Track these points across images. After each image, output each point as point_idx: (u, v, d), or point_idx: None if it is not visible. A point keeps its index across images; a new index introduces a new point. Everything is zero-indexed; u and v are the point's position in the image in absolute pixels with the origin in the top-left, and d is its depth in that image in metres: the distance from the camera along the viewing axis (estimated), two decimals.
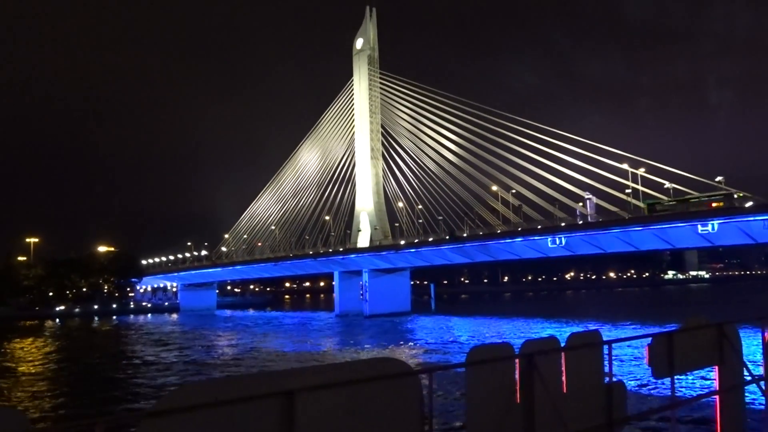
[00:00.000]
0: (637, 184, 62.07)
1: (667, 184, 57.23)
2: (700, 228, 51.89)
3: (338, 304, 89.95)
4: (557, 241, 60.32)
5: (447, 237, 68.66)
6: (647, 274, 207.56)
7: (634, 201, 61.19)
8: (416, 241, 75.02)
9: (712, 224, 51.07)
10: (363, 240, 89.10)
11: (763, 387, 6.25)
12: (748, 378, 6.34)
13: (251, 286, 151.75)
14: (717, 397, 6.10)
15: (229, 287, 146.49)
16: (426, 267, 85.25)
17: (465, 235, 68.95)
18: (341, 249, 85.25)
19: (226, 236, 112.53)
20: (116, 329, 78.55)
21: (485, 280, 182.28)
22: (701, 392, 7.42)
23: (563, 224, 60.93)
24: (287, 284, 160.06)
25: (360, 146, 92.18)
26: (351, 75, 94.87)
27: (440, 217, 74.18)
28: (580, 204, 63.38)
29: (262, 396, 3.18)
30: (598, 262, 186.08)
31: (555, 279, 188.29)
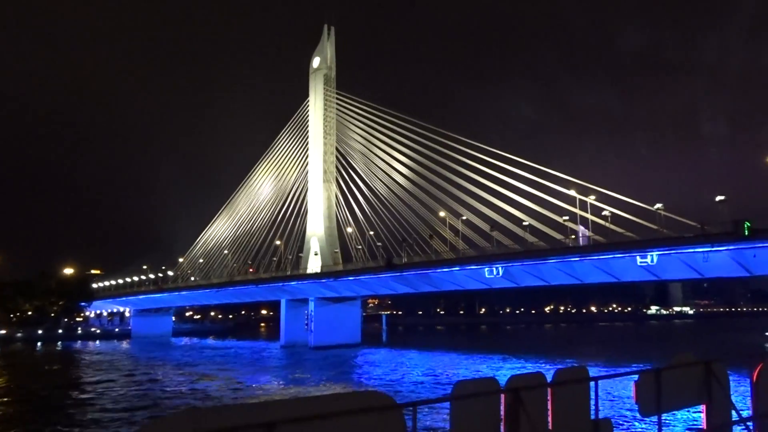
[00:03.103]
0: (587, 211, 58.45)
1: (605, 212, 53.56)
2: (639, 259, 47.97)
3: (284, 334, 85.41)
4: (494, 271, 56.27)
5: (384, 265, 64.54)
6: (630, 308, 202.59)
7: (580, 229, 57.57)
8: (355, 268, 70.95)
9: (651, 255, 47.16)
10: (314, 266, 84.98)
11: (751, 427, 6.09)
12: (736, 418, 6.13)
13: (212, 313, 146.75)
14: None
15: (188, 313, 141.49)
16: (373, 296, 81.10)
17: (403, 262, 64.88)
18: (284, 275, 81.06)
19: (181, 260, 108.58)
20: (54, 356, 74.28)
21: (461, 312, 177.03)
22: (688, 431, 7.60)
23: (499, 253, 56.90)
24: (242, 312, 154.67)
25: (313, 168, 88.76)
26: (307, 95, 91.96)
27: (379, 244, 70.35)
28: (526, 226, 59.54)
29: (243, 427, 3.08)
30: (579, 295, 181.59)
31: (533, 312, 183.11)
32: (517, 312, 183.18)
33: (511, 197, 63.29)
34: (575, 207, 58.69)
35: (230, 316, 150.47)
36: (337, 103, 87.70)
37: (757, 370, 6.49)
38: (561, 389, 4.85)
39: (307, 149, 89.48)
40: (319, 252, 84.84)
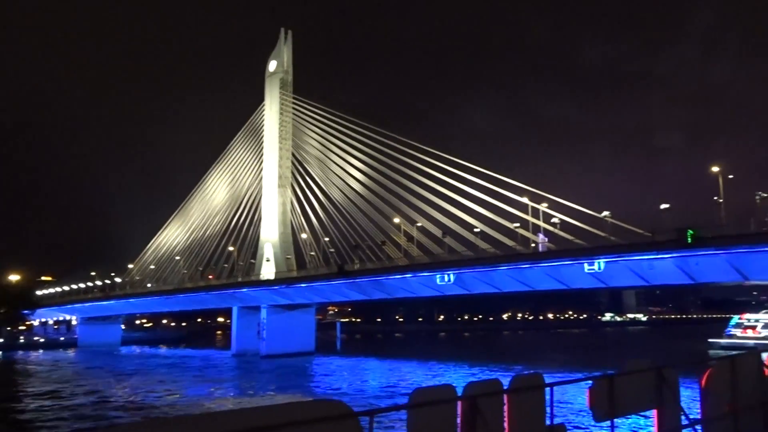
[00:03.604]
0: (539, 219, 58.67)
1: (555, 219, 53.88)
2: (587, 267, 48.25)
3: (235, 343, 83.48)
4: (446, 278, 55.94)
5: (337, 271, 63.57)
6: (585, 315, 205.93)
7: (532, 236, 57.78)
8: (307, 275, 69.80)
9: (599, 263, 47.48)
10: (268, 273, 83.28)
11: (700, 430, 6.25)
12: (686, 422, 6.25)
13: (164, 321, 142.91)
14: None
15: (138, 321, 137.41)
16: (326, 303, 79.93)
17: (355, 269, 64.05)
18: (235, 282, 79.31)
19: (131, 266, 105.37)
20: None
21: (420, 319, 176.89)
22: None
23: (450, 259, 56.63)
24: (198, 319, 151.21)
25: (268, 174, 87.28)
26: (263, 99, 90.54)
27: (332, 250, 69.40)
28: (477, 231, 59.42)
29: None
30: (537, 302, 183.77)
31: (491, 319, 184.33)
32: (476, 319, 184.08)
33: (466, 204, 63.36)
34: (528, 214, 59.10)
35: (183, 324, 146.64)
36: (294, 108, 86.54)
37: (706, 376, 6.67)
38: (517, 396, 4.86)
39: (262, 154, 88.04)
40: (272, 258, 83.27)
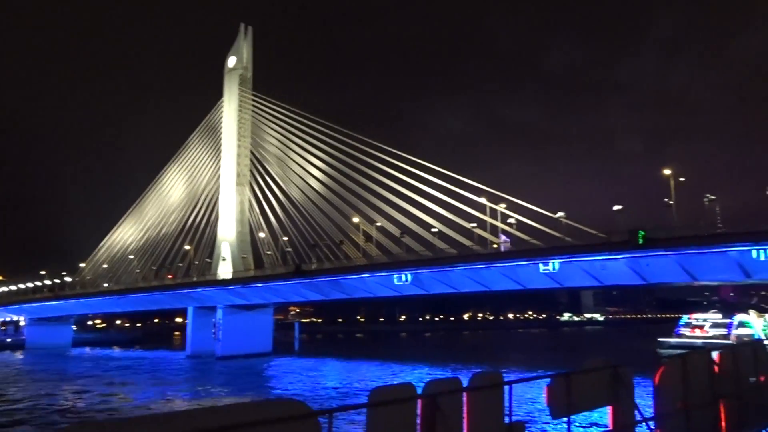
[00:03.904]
0: (497, 219, 58.93)
1: (511, 219, 54.23)
2: (541, 267, 48.61)
3: (190, 344, 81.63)
4: (403, 278, 55.69)
5: (293, 271, 62.67)
6: (545, 315, 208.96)
7: (490, 237, 58.01)
8: (263, 274, 68.71)
9: (553, 263, 47.88)
10: (224, 272, 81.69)
11: (653, 427, 6.40)
12: (639, 418, 6.42)
13: (118, 321, 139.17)
14: None
15: (91, 322, 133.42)
16: (284, 303, 78.86)
17: (312, 269, 63.28)
18: (189, 282, 77.57)
19: (83, 265, 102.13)
20: None
21: (381, 319, 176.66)
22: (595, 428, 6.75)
23: (408, 259, 56.41)
24: (155, 320, 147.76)
25: (226, 171, 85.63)
26: (222, 95, 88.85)
27: (289, 249, 68.46)
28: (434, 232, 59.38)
29: None
30: (497, 302, 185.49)
31: (452, 319, 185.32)
32: (437, 319, 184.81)
33: (425, 204, 63.36)
34: (486, 214, 59.37)
35: (138, 325, 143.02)
36: (253, 105, 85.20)
37: (659, 374, 6.83)
38: (476, 394, 4.87)
39: (221, 152, 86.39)
40: (228, 258, 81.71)
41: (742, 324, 65.59)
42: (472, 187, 61.13)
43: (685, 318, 71.71)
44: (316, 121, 75.25)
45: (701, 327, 67.04)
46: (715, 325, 66.63)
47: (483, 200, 60.12)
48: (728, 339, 61.92)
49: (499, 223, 57.82)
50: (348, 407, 4.79)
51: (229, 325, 76.73)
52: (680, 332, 68.29)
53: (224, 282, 73.41)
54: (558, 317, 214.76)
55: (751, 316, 67.42)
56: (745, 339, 65.43)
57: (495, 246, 56.38)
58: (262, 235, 79.53)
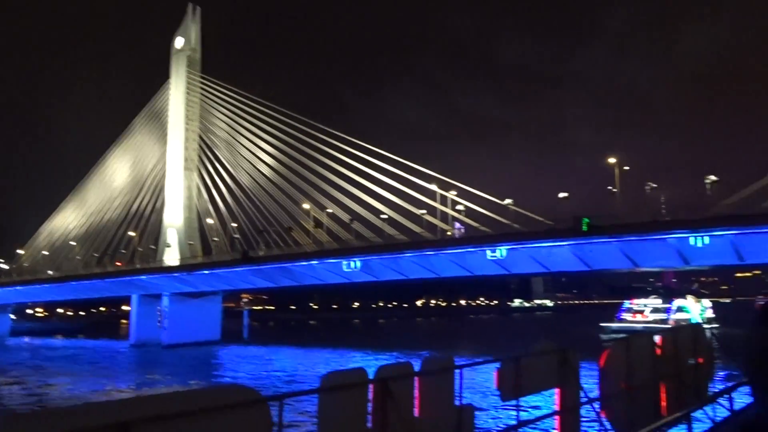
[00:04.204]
0: (447, 206, 59.02)
1: (460, 206, 54.43)
2: (489, 254, 48.93)
3: (134, 332, 79.35)
4: (352, 265, 55.26)
5: (241, 258, 61.42)
6: (496, 301, 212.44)
7: (440, 223, 58.09)
8: (210, 261, 67.22)
9: (500, 250, 48.24)
10: (171, 259, 79.53)
11: (597, 408, 6.55)
12: (585, 399, 6.57)
13: (60, 310, 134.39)
14: (557, 417, 6.31)
15: (31, 311, 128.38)
16: (233, 290, 77.43)
17: (260, 255, 62.20)
18: (133, 269, 75.33)
19: (21, 252, 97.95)
20: None
21: (335, 306, 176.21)
22: (543, 413, 6.59)
23: (357, 246, 56.01)
24: (101, 308, 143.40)
25: (173, 156, 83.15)
26: (168, 77, 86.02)
27: (236, 236, 67.16)
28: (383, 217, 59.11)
29: (92, 429, 2.79)
30: (450, 289, 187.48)
31: (405, 306, 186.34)
32: (390, 306, 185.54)
33: (376, 191, 63.00)
34: (436, 201, 59.43)
35: (82, 313, 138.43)
36: (201, 88, 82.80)
37: (604, 357, 7.03)
38: (428, 378, 4.89)
39: (167, 135, 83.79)
40: (174, 244, 79.61)
41: (680, 309, 68.05)
42: (423, 174, 61.18)
43: (626, 303, 73.85)
44: (267, 106, 73.81)
45: (642, 312, 69.19)
46: (654, 310, 68.90)
47: (434, 187, 60.16)
48: (667, 323, 64.11)
49: (449, 210, 57.96)
50: (299, 393, 4.65)
51: (175, 313, 74.93)
52: (622, 317, 70.36)
53: (169, 269, 71.49)
54: (509, 303, 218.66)
55: (689, 301, 70.08)
56: (683, 323, 67.99)
57: (450, 234, 56.49)
58: (210, 221, 77.74)
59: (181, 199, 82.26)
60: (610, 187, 48.76)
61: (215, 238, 72.89)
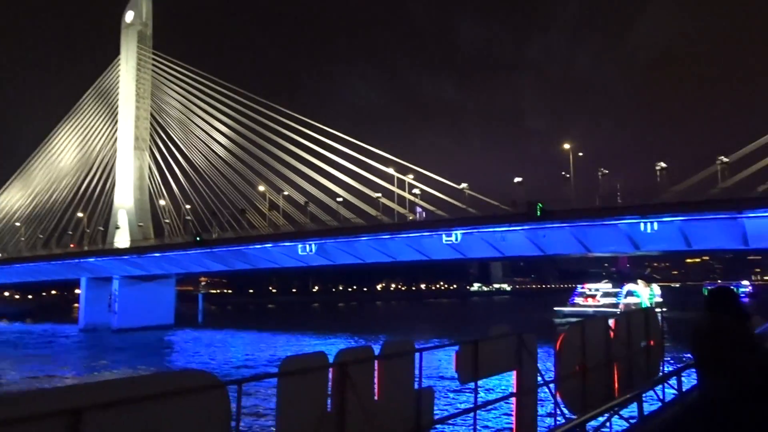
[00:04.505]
0: (404, 190, 58.59)
1: (416, 190, 54.13)
2: (444, 238, 48.76)
3: (83, 316, 77.07)
4: (308, 248, 54.45)
5: (192, 240, 59.85)
6: (455, 286, 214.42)
7: (397, 207, 57.70)
8: (161, 244, 65.45)
9: (456, 234, 48.12)
10: (122, 241, 77.14)
11: (553, 389, 6.84)
12: (541, 381, 6.83)
13: (6, 293, 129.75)
14: (514, 399, 6.55)
15: None
16: (186, 274, 75.76)
17: (213, 238, 60.76)
18: (80, 251, 72.89)
19: None
20: None
21: (294, 290, 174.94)
22: (501, 395, 6.89)
23: (312, 229, 55.21)
24: (53, 291, 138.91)
25: (124, 135, 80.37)
26: (119, 53, 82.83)
27: (189, 218, 65.47)
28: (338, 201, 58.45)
29: (43, 416, 2.68)
30: (410, 273, 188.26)
31: (366, 289, 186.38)
32: (350, 290, 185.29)
33: (334, 174, 62.28)
34: (393, 185, 59.02)
35: (30, 297, 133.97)
36: (153, 65, 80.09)
37: (560, 340, 7.16)
38: (387, 362, 4.92)
39: (117, 114, 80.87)
40: (124, 226, 77.25)
41: (630, 293, 69.54)
42: (380, 157, 60.64)
43: (579, 288, 75.10)
44: (222, 85, 71.95)
45: (593, 296, 70.46)
46: (606, 295, 70.24)
47: (391, 170, 59.69)
48: (617, 308, 65.48)
49: (406, 194, 57.59)
50: (258, 377, 4.66)
51: (126, 297, 73.03)
52: (574, 301, 71.53)
53: (119, 251, 69.38)
54: (468, 288, 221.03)
55: (639, 286, 71.62)
56: (633, 307, 69.59)
57: (411, 218, 56.05)
58: (162, 202, 75.68)
59: (132, 180, 79.74)
60: (564, 173, 49.00)
61: (167, 220, 70.94)
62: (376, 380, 4.86)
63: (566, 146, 52.12)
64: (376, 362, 4.88)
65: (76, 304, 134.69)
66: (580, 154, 53.63)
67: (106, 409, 2.87)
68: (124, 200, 79.46)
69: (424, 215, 55.10)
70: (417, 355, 5.31)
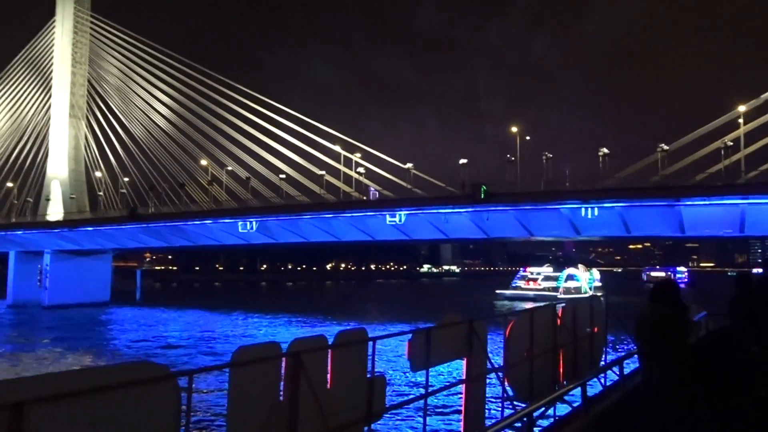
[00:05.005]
0: (351, 169, 57.45)
1: (361, 168, 53.14)
2: (388, 218, 47.99)
3: (11, 292, 73.34)
4: (248, 226, 52.82)
5: (127, 215, 57.32)
6: (405, 267, 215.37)
7: (342, 186, 56.61)
8: (94, 218, 62.60)
9: (400, 215, 47.41)
10: (55, 213, 73.45)
11: (501, 376, 6.93)
12: (491, 368, 6.90)
13: None
14: (464, 385, 6.64)
15: None
16: (122, 250, 72.96)
17: (149, 213, 58.37)
18: (7, 224, 69.29)
19: None
20: None
21: (241, 268, 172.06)
22: (451, 382, 7.10)
23: (254, 206, 53.60)
24: None
25: (58, 101, 76.13)
26: (53, 14, 78.09)
27: (123, 191, 62.76)
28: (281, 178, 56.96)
29: None
30: (360, 253, 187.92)
31: (315, 269, 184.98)
32: (299, 269, 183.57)
33: (281, 151, 60.72)
34: (340, 163, 57.86)
35: None
36: (92, 28, 75.98)
37: (509, 327, 7.24)
38: (340, 351, 4.99)
39: (51, 79, 76.46)
40: (57, 198, 73.57)
41: (570, 277, 70.62)
42: (328, 135, 59.32)
43: (521, 271, 75.91)
44: (166, 54, 68.86)
45: (535, 280, 71.26)
46: (546, 278, 71.15)
47: (337, 148, 58.45)
48: (557, 291, 66.52)
49: (352, 173, 56.55)
50: (210, 368, 4.40)
51: (58, 272, 69.82)
52: (516, 285, 72.28)
53: (49, 224, 66.02)
54: (418, 269, 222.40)
55: (579, 271, 72.79)
56: (573, 291, 70.97)
57: (357, 197, 54.92)
58: (99, 174, 72.30)
59: (67, 150, 75.83)
60: (509, 155, 48.77)
61: (100, 193, 67.80)
62: (329, 369, 4.90)
63: (513, 129, 51.95)
64: (329, 351, 4.91)
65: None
66: (528, 137, 53.65)
67: (50, 402, 2.75)
68: (58, 171, 75.59)
69: (377, 195, 54.10)
70: (370, 343, 5.35)
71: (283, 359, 4.45)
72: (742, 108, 42.97)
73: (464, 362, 6.73)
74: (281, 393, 4.48)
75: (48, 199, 72.27)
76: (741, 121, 42.82)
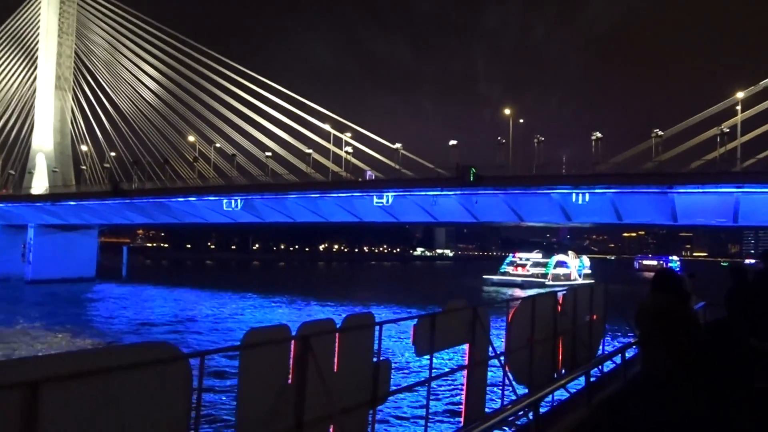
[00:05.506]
0: (341, 148, 56.36)
1: (348, 148, 52.04)
2: (375, 200, 46.92)
3: None
4: (233, 204, 51.72)
5: (111, 190, 56.14)
6: (398, 249, 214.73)
7: (332, 165, 55.55)
8: (76, 192, 61.41)
9: (387, 196, 46.33)
10: (40, 187, 72.23)
11: (503, 361, 6.99)
12: (492, 354, 6.99)
13: None
14: (466, 371, 6.76)
15: None
16: (107, 225, 71.85)
17: (133, 188, 57.20)
18: None
19: None
20: None
21: (233, 247, 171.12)
22: (454, 367, 7.75)
23: (239, 184, 52.51)
24: None
25: (44, 72, 74.42)
26: None
27: (106, 165, 61.50)
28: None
29: None
30: (354, 235, 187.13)
31: (308, 250, 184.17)
32: (292, 249, 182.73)
33: (270, 129, 59.79)
34: (330, 142, 56.84)
35: None
36: None
37: (512, 313, 7.39)
38: (348, 335, 5.04)
39: (37, 49, 74.70)
40: (41, 171, 72.27)
41: (560, 264, 69.77)
42: (319, 113, 58.27)
43: (510, 257, 74.97)
44: (155, 26, 67.46)
45: (523, 266, 70.34)
46: (535, 264, 70.24)
47: (327, 127, 57.31)
48: (546, 278, 65.74)
49: (341, 152, 55.48)
50: (221, 350, 4.28)
51: (42, 247, 68.68)
52: (504, 270, 71.37)
53: (32, 198, 64.85)
54: (411, 252, 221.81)
55: (569, 257, 71.94)
56: (562, 278, 70.21)
57: (345, 177, 53.85)
58: (84, 148, 70.98)
59: (52, 122, 74.34)
60: (500, 138, 47.61)
61: (83, 167, 66.54)
62: (336, 352, 4.92)
63: (506, 111, 50.76)
64: (337, 335, 4.94)
65: None
66: (521, 120, 52.51)
67: (64, 381, 2.79)
68: (44, 144, 74.15)
69: (373, 177, 52.93)
70: (376, 327, 5.38)
71: (292, 342, 4.47)
72: (740, 95, 41.88)
73: (467, 348, 6.83)
74: (290, 375, 4.52)
75: (31, 173, 70.97)
76: (739, 108, 41.77)
